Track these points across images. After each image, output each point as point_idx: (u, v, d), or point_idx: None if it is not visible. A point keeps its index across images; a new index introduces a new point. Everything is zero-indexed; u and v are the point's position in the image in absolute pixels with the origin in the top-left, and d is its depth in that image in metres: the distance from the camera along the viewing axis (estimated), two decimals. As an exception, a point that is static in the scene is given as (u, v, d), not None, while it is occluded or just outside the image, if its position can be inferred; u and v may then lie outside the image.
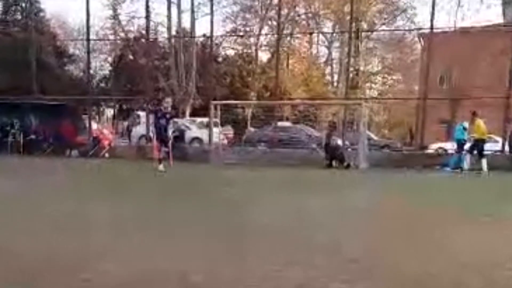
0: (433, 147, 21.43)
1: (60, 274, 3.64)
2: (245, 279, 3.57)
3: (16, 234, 4.99)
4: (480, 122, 15.47)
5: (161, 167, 12.72)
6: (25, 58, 22.06)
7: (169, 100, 13.98)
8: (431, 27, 18.53)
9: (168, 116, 13.26)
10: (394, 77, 39.05)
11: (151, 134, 15.61)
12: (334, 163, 16.10)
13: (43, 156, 19.17)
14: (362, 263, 4.02)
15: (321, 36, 39.07)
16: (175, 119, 24.78)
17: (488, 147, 17.69)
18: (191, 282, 3.49)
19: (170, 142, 13.52)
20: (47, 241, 4.68)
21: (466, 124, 16.07)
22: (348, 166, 15.81)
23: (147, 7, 22.93)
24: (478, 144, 15.23)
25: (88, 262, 3.90)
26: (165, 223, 5.80)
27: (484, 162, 14.85)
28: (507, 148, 17.37)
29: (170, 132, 13.28)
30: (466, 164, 15.45)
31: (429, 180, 13.18)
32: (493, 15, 36.65)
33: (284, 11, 30.64)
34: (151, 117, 15.83)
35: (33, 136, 20.66)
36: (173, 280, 3.53)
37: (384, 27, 35.62)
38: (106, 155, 19.36)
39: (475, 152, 15.32)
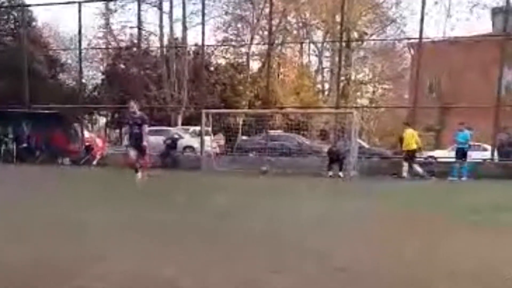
0: (422, 156, 21.59)
1: (52, 281, 3.69)
2: (233, 285, 3.67)
3: (5, 242, 5.01)
4: (411, 132, 16.27)
5: (139, 175, 11.68)
6: (17, 67, 22.11)
7: (133, 104, 12.06)
8: (420, 37, 18.78)
9: (139, 122, 11.76)
10: (384, 86, 39.33)
11: (125, 143, 13.76)
12: (331, 169, 16.29)
13: (35, 164, 19.21)
14: (349, 271, 4.06)
15: (312, 45, 39.36)
16: (168, 128, 24.98)
17: (479, 155, 18.07)
18: (180, 286, 3.57)
19: (147, 151, 12.22)
20: (38, 248, 4.71)
21: (467, 133, 16.38)
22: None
23: (139, 16, 23.11)
24: (409, 154, 16.00)
25: (80, 269, 3.94)
26: (154, 229, 5.84)
27: (417, 167, 15.76)
28: (496, 156, 17.63)
29: (145, 139, 11.77)
30: (404, 172, 15.85)
31: (417, 188, 13.32)
32: (482, 25, 37.15)
33: (275, 21, 30.86)
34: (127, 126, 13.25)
35: (25, 145, 20.70)
36: (163, 285, 3.61)
37: (374, 37, 35.97)
38: (96, 163, 19.45)
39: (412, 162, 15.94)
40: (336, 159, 16.42)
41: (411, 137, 16.18)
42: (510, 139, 18.79)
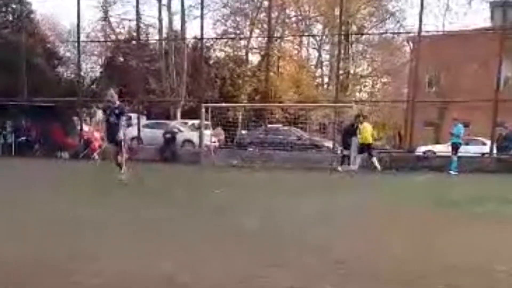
0: (421, 150, 21.64)
1: (50, 278, 3.69)
2: (233, 280, 3.67)
3: (4, 239, 5.01)
4: (366, 126, 16.55)
5: (122, 172, 10.71)
6: (16, 59, 22.03)
7: (112, 92, 11.25)
8: (419, 31, 18.77)
9: (117, 111, 10.89)
10: (383, 80, 39.23)
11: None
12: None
13: (34, 158, 19.20)
14: (349, 264, 4.09)
15: (311, 38, 39.22)
16: (167, 121, 24.92)
17: (478, 149, 18.10)
18: (178, 283, 3.57)
19: (124, 143, 11.17)
20: (36, 245, 4.70)
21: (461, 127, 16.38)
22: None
23: (138, 9, 23.02)
24: (364, 147, 16.22)
25: (79, 265, 3.94)
26: (153, 225, 5.84)
27: (375, 160, 16.05)
28: (495, 150, 17.65)
29: (121, 131, 10.84)
30: (355, 165, 16.13)
31: (416, 182, 13.34)
32: (482, 19, 36.99)
33: (275, 14, 30.72)
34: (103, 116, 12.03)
35: (24, 138, 20.68)
36: (162, 281, 3.62)
37: (373, 30, 35.86)
38: (96, 157, 19.40)
39: (366, 153, 16.26)
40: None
41: (367, 131, 16.46)
42: (510, 133, 18.78)
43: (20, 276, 3.76)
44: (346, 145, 16.27)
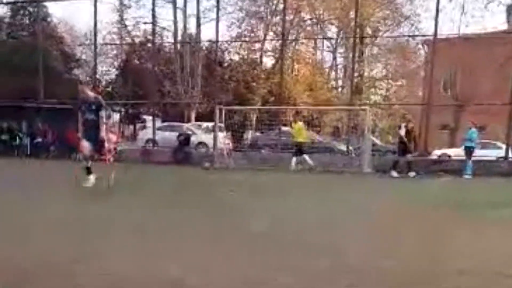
0: (436, 153, 21.51)
1: (54, 279, 3.65)
2: (240, 284, 3.64)
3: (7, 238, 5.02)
4: (299, 126, 17.32)
5: (91, 178, 9.36)
6: (33, 62, 22.28)
7: (82, 87, 10.14)
8: (435, 34, 18.67)
9: (94, 107, 9.36)
10: (398, 83, 39.05)
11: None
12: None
13: (48, 159, 19.38)
14: (360, 267, 4.06)
15: (326, 41, 39.20)
16: (181, 123, 25.01)
17: (493, 153, 17.97)
18: (185, 285, 3.54)
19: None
20: (41, 247, 4.66)
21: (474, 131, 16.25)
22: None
23: (153, 12, 23.21)
24: (298, 147, 16.93)
25: (82, 266, 3.91)
26: (158, 226, 5.82)
27: (307, 157, 16.58)
28: (510, 154, 17.48)
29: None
30: (293, 165, 16.67)
31: (431, 185, 13.25)
32: (497, 22, 36.72)
33: (289, 17, 30.78)
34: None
35: (39, 139, 20.90)
36: (168, 283, 3.58)
37: (388, 33, 35.73)
38: (111, 159, 19.50)
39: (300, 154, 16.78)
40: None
41: (299, 131, 17.15)
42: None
43: (24, 273, 3.75)
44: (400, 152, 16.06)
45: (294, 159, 16.80)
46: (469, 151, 15.86)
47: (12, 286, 3.51)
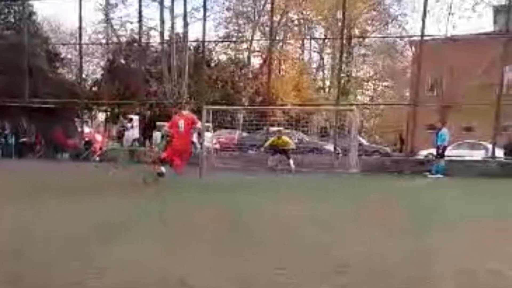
0: (423, 153, 21.62)
1: (54, 279, 3.63)
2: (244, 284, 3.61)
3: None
4: (286, 139, 17.22)
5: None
6: (17, 61, 22.05)
7: None
8: (422, 35, 18.75)
9: None
10: (385, 83, 39.28)
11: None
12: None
13: (34, 159, 19.19)
14: (353, 268, 4.03)
15: (313, 42, 39.30)
16: (166, 123, 24.81)
17: (480, 154, 18.13)
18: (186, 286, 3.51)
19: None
20: (38, 247, 4.64)
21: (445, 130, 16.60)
22: None
23: (140, 11, 23.02)
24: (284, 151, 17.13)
25: (81, 267, 3.87)
26: (151, 227, 5.76)
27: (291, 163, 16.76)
28: (497, 154, 17.59)
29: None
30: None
31: (417, 185, 13.29)
32: (484, 23, 37.00)
33: (277, 17, 30.80)
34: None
35: (24, 139, 20.68)
36: (171, 284, 3.55)
37: (375, 34, 35.90)
38: (97, 158, 19.38)
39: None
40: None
41: (286, 144, 17.13)
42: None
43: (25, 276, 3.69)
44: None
45: (271, 158, 17.21)
46: (440, 150, 16.10)
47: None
